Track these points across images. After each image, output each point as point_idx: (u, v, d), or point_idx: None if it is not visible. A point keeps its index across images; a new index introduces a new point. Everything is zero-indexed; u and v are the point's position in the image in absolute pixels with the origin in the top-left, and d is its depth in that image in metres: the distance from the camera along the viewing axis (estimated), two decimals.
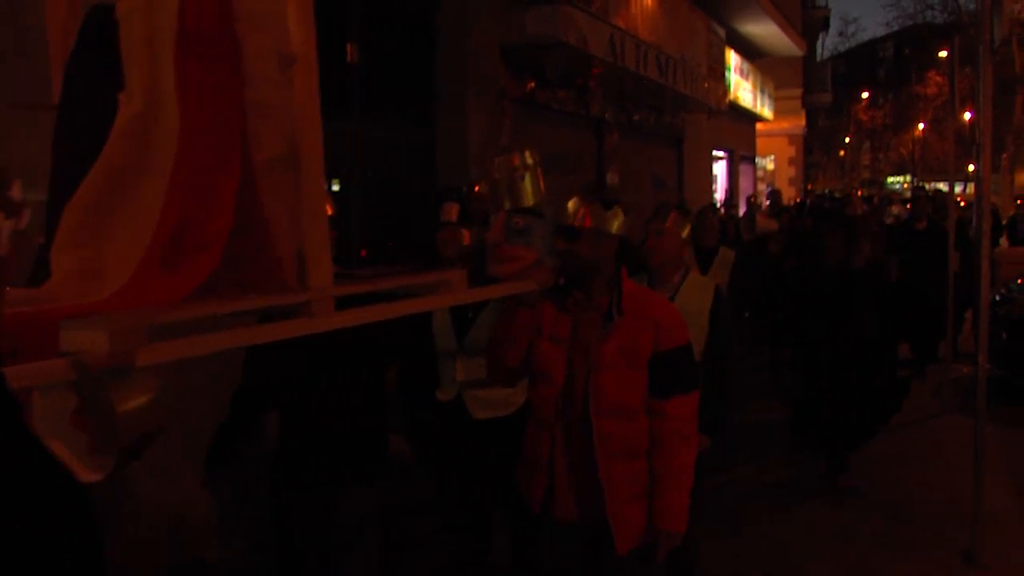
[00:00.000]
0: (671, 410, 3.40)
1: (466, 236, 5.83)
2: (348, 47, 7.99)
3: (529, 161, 3.48)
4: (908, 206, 16.02)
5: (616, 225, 3.55)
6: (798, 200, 22.20)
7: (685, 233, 4.99)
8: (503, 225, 3.38)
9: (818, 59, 40.05)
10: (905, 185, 57.46)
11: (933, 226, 11.47)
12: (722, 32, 18.09)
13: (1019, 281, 11.40)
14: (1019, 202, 27.06)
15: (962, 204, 16.82)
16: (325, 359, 3.50)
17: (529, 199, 3.42)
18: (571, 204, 3.58)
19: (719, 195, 18.50)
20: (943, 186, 13.40)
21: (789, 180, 31.63)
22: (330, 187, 7.94)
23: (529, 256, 3.32)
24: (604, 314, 3.44)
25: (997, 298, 10.82)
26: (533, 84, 10.86)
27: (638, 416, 3.42)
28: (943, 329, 11.20)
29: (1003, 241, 17.06)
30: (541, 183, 3.49)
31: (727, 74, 18.61)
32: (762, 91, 23.13)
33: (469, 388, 4.44)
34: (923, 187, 26.79)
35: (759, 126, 25.33)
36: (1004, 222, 18.35)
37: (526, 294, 3.30)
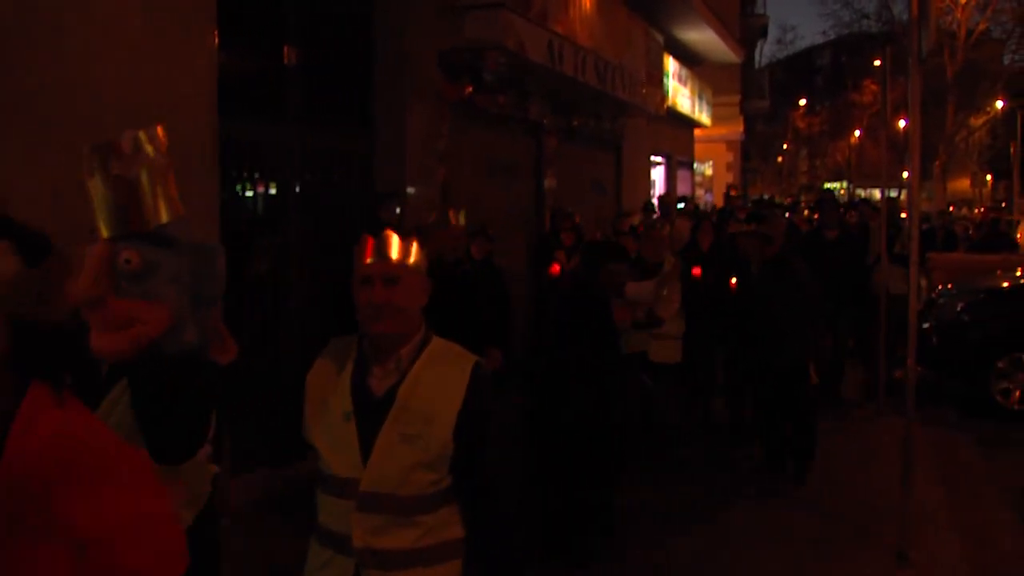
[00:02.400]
0: None
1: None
2: (285, 50, 7.92)
3: (148, 148, 1.43)
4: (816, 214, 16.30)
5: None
6: (719, 206, 21.92)
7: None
8: (103, 265, 1.41)
9: (756, 66, 40.44)
10: (842, 191, 58.31)
11: (845, 235, 11.10)
12: (660, 38, 18.21)
13: (947, 287, 11.64)
14: (951, 208, 27.54)
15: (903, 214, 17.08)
16: None
17: (151, 216, 1.42)
18: None
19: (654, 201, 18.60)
20: (877, 192, 13.59)
21: (727, 185, 31.90)
22: (267, 191, 7.88)
23: (153, 314, 1.40)
24: None
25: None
26: (471, 88, 10.84)
27: None
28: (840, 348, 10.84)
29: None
30: (172, 188, 1.45)
31: (665, 80, 18.73)
32: (700, 97, 23.31)
33: None
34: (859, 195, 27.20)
35: (697, 132, 25.52)
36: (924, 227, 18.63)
37: None
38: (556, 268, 9.34)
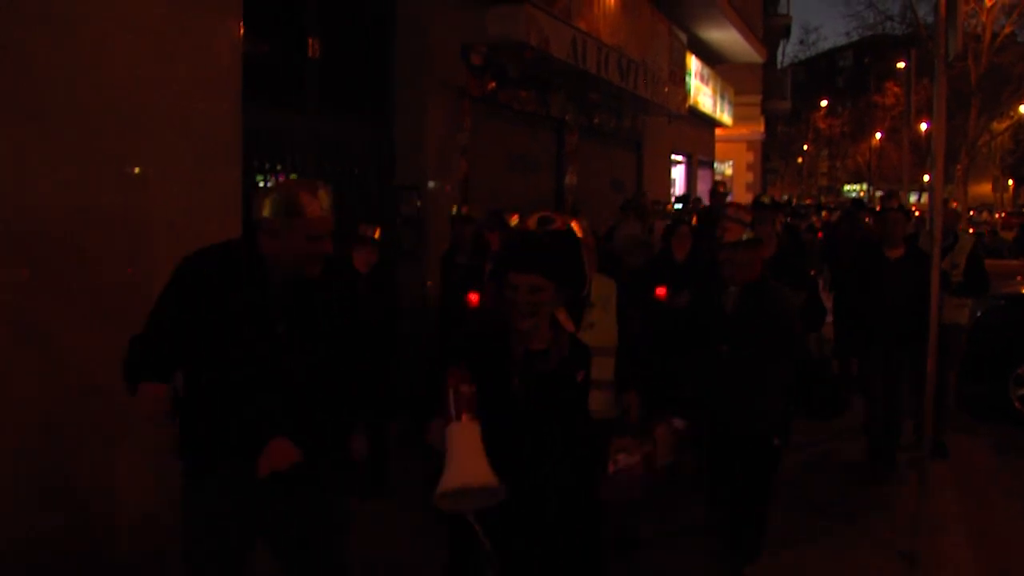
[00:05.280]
0: None
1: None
2: (309, 41, 7.95)
3: None
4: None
5: None
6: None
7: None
8: None
9: (778, 66, 40.38)
10: (861, 193, 58.07)
11: (912, 254, 8.67)
12: (684, 37, 18.18)
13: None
14: (972, 213, 27.40)
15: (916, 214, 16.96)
16: None
17: None
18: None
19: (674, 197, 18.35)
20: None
21: (747, 186, 31.85)
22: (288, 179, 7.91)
23: None
24: None
25: None
26: (494, 84, 10.86)
27: None
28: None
29: None
30: None
31: (688, 79, 18.69)
32: (722, 97, 23.26)
33: None
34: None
35: (718, 131, 25.47)
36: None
37: None
38: (473, 298, 6.85)
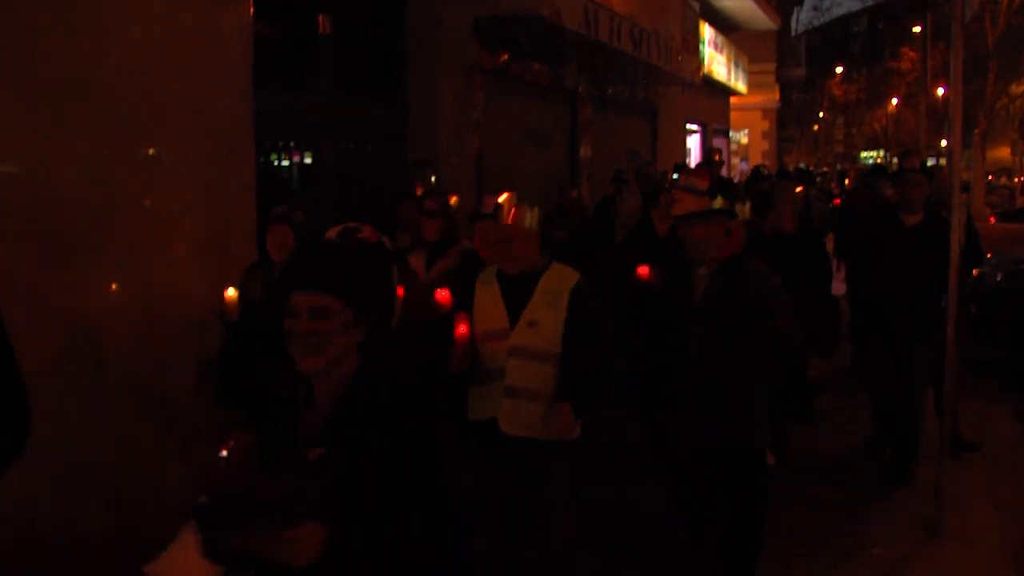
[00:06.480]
0: None
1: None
2: (319, 19, 7.91)
3: None
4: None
5: None
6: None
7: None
8: None
9: (792, 33, 39.97)
10: (879, 159, 57.68)
11: (932, 220, 7.00)
12: (696, 5, 18.04)
13: (988, 256, 11.48)
14: (990, 177, 27.19)
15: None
16: None
17: None
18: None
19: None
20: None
21: (763, 154, 31.64)
22: (302, 160, 7.89)
23: None
24: None
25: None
26: (507, 56, 10.79)
27: None
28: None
29: None
30: None
31: (701, 47, 18.55)
32: (736, 65, 23.09)
33: None
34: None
35: (733, 100, 25.29)
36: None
37: None
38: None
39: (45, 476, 4.67)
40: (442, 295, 5.06)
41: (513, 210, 4.49)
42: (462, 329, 4.46)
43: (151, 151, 5.38)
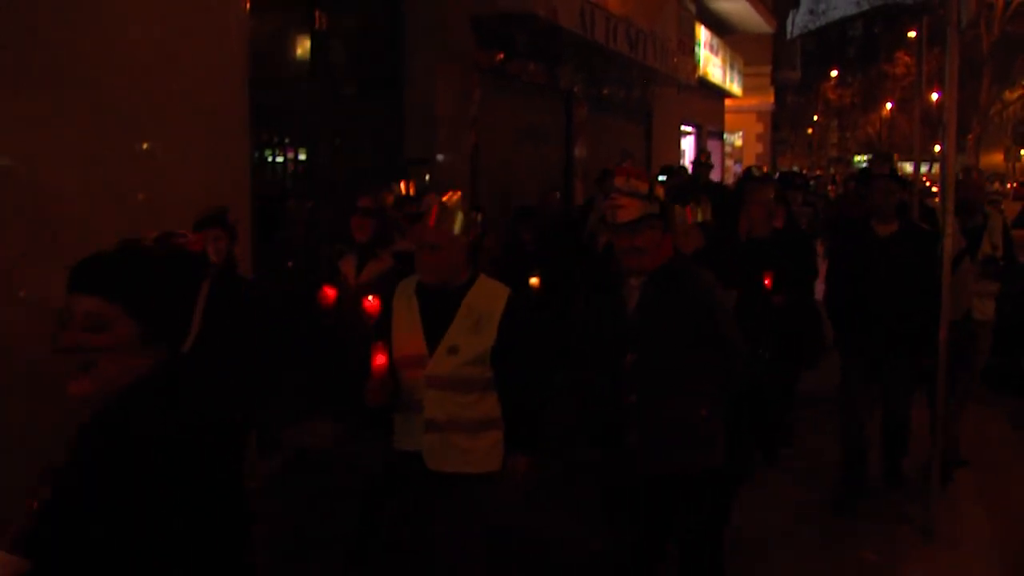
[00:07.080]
0: None
1: None
2: (316, 14, 7.89)
3: None
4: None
5: None
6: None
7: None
8: None
9: (788, 36, 40.01)
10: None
11: (908, 229, 6.51)
12: (692, 7, 18.04)
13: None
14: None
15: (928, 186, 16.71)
16: None
17: None
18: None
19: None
20: (909, 166, 13.22)
21: (757, 156, 31.65)
22: (297, 155, 7.87)
23: None
24: None
25: None
26: (503, 55, 10.78)
27: None
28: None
29: None
30: None
31: (697, 49, 18.55)
32: (732, 67, 23.10)
33: None
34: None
35: (728, 102, 25.30)
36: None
37: None
38: (330, 293, 5.37)
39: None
40: (370, 303, 4.62)
41: (435, 212, 3.89)
42: (379, 360, 3.80)
43: (149, 144, 5.38)
